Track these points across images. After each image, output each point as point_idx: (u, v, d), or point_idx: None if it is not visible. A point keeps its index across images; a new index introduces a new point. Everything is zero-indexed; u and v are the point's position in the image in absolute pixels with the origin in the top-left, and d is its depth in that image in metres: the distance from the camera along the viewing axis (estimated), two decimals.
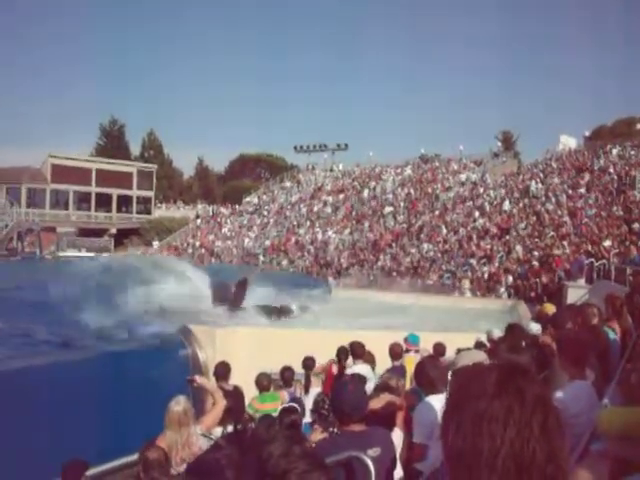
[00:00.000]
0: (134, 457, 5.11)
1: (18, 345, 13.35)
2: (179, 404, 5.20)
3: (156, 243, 55.85)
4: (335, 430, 4.34)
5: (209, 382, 6.24)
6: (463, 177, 46.44)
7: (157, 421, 5.33)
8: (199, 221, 59.47)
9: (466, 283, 28.13)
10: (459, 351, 6.37)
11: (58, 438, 6.29)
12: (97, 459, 5.03)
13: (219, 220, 57.61)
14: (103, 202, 62.48)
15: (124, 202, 64.44)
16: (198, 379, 6.07)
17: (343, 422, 3.82)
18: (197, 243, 53.32)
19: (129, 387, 7.94)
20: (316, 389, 8.30)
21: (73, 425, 6.70)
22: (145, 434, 5.43)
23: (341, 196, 52.75)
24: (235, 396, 7.29)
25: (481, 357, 4.85)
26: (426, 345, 9.60)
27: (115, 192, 63.05)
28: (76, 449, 4.97)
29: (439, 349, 9.30)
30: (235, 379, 7.67)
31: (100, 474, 5.04)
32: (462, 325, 16.92)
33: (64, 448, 5.34)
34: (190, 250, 52.70)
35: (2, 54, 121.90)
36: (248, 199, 61.73)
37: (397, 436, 4.95)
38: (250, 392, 7.77)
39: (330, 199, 52.95)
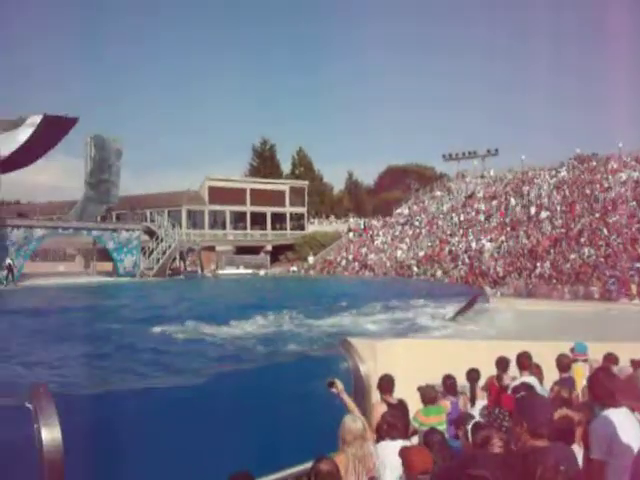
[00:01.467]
0: (297, 469, 4.97)
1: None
2: (356, 421, 5.12)
3: (311, 258, 56.76)
4: (514, 446, 3.96)
5: (350, 402, 5.97)
6: (624, 176, 43.74)
7: (315, 433, 5.16)
8: (351, 234, 59.88)
9: (634, 288, 26.27)
10: (633, 362, 5.78)
11: (220, 448, 6.22)
12: (256, 471, 4.91)
13: (371, 233, 57.72)
14: (258, 220, 64.45)
15: (278, 219, 66.12)
16: (339, 385, 5.87)
17: (534, 437, 3.51)
18: (350, 256, 53.66)
19: (289, 399, 7.81)
20: (482, 402, 7.83)
21: (233, 436, 6.62)
22: (303, 446, 5.26)
23: (494, 202, 51.30)
24: (400, 409, 6.99)
25: None
26: (592, 355, 8.85)
27: (269, 210, 64.85)
28: (236, 460, 4.87)
29: (611, 359, 8.50)
30: (395, 392, 7.39)
31: None
32: (631, 334, 15.64)
33: (226, 459, 5.28)
34: (343, 263, 53.13)
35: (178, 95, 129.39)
36: (399, 210, 61.46)
37: (575, 452, 4.48)
38: (411, 405, 7.45)
39: (483, 206, 51.64)
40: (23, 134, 40.28)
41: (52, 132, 40.84)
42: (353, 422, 5.11)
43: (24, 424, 3.83)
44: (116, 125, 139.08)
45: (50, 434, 3.94)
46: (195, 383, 7.23)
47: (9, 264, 37.16)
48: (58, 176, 78.38)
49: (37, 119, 40.21)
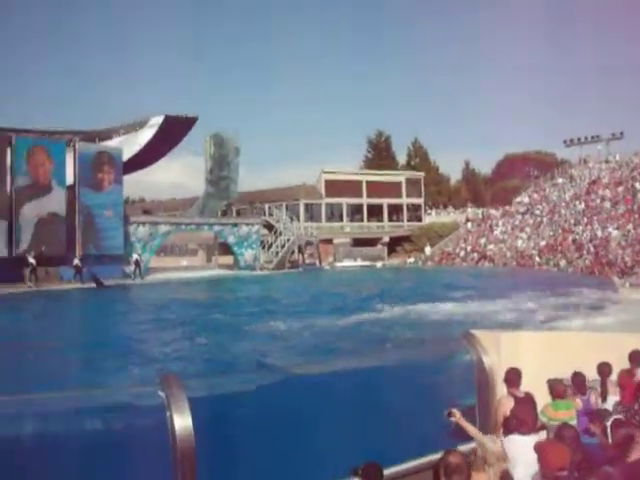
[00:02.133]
0: (420, 461, 4.86)
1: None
2: (497, 443, 5.02)
3: (428, 249, 56.06)
4: None
5: (471, 427, 5.65)
6: None
7: (438, 426, 5.02)
8: (469, 225, 58.62)
9: None
10: None
11: (348, 440, 6.13)
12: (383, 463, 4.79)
13: (490, 223, 56.31)
14: (375, 212, 64.25)
15: (395, 211, 65.67)
16: (457, 414, 5.54)
17: None
18: (469, 247, 52.59)
19: (413, 392, 7.65)
20: (613, 397, 7.32)
21: (361, 429, 6.52)
22: (426, 439, 5.13)
23: (620, 189, 48.80)
24: (528, 403, 6.65)
25: None
26: None
27: (385, 202, 64.50)
28: (364, 451, 4.79)
29: None
30: (521, 386, 7.04)
31: (394, 475, 4.91)
32: None
33: (354, 450, 5.23)
34: (462, 254, 52.14)
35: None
36: (518, 199, 59.61)
37: None
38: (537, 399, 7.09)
39: (608, 193, 49.23)
40: (146, 135, 41.92)
41: (173, 132, 42.25)
42: (494, 444, 4.94)
43: (157, 412, 3.91)
44: (234, 122, 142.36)
45: (182, 421, 4.04)
46: (316, 374, 7.15)
47: (136, 259, 38.80)
48: (179, 174, 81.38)
49: (159, 120, 41.73)
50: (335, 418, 6.34)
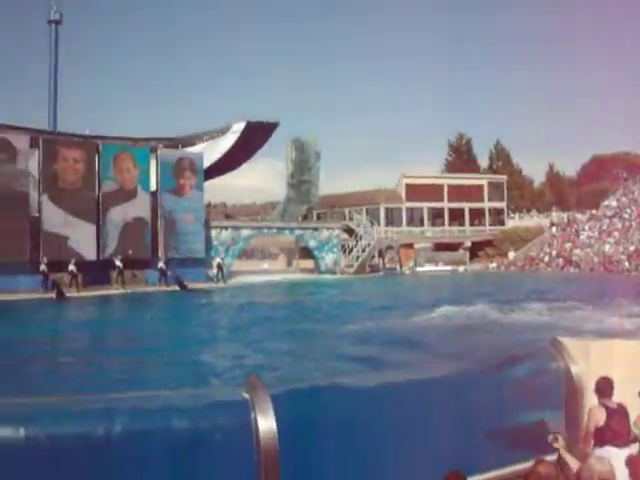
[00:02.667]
0: (508, 470, 4.67)
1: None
2: (605, 464, 4.60)
3: (512, 254, 54.91)
4: None
5: (571, 459, 5.34)
6: None
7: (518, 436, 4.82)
8: (554, 229, 57.05)
9: None
10: None
11: (432, 446, 5.92)
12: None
13: (575, 227, 54.66)
14: (456, 216, 63.34)
15: (476, 215, 64.57)
16: (561, 441, 5.22)
17: None
18: (554, 252, 51.18)
19: (491, 397, 7.33)
20: None
21: (446, 435, 6.30)
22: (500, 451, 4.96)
23: None
24: (621, 415, 6.31)
25: None
26: None
27: (467, 206, 63.51)
28: (449, 459, 4.61)
29: None
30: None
31: None
32: None
33: (438, 458, 5.07)
34: (546, 259, 50.80)
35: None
36: (606, 203, 57.67)
37: None
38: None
39: None
40: (228, 141, 42.58)
41: (255, 137, 42.76)
42: (602, 465, 4.65)
43: (241, 413, 3.89)
44: (314, 127, 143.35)
45: (266, 423, 4.02)
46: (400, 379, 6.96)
47: (219, 263, 39.45)
48: (260, 178, 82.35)
49: (241, 126, 42.31)
50: (421, 424, 6.14)
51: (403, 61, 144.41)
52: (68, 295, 30.71)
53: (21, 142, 33.87)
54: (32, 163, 33.90)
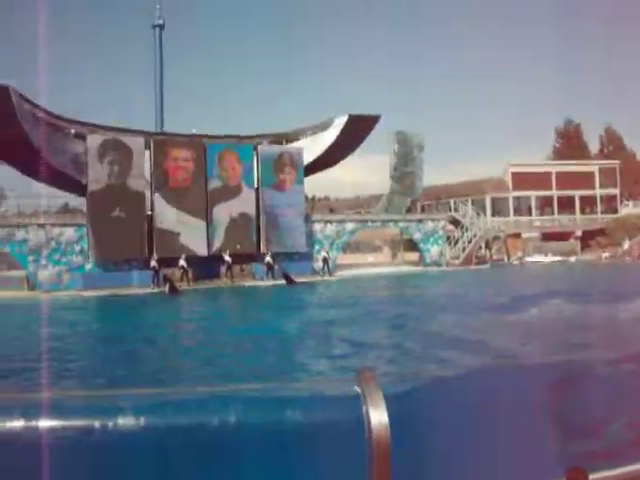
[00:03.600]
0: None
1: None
2: None
3: (626, 243, 52.56)
4: None
5: None
6: None
7: None
8: None
9: None
10: None
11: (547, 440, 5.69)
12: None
13: None
14: (565, 205, 61.30)
15: (587, 203, 62.27)
16: None
17: None
18: None
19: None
20: None
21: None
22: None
23: None
24: None
25: None
26: None
27: (577, 193, 61.33)
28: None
29: None
30: None
31: None
32: None
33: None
34: None
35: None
36: None
37: None
38: None
39: None
40: (331, 135, 42.69)
41: (357, 131, 42.70)
42: None
43: (353, 406, 3.86)
44: (416, 118, 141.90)
45: (378, 416, 3.95)
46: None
47: (324, 257, 39.76)
48: (363, 172, 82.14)
49: (343, 120, 42.36)
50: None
51: (510, 49, 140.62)
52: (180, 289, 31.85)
53: (137, 144, 35.42)
54: (145, 164, 35.41)
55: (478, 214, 51.54)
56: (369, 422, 4.10)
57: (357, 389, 4.15)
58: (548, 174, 61.05)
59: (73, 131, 35.71)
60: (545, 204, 61.41)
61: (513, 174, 59.63)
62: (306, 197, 44.86)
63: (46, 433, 1.75)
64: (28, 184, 38.09)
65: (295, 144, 42.66)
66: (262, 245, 38.25)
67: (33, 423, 1.74)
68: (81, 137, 35.30)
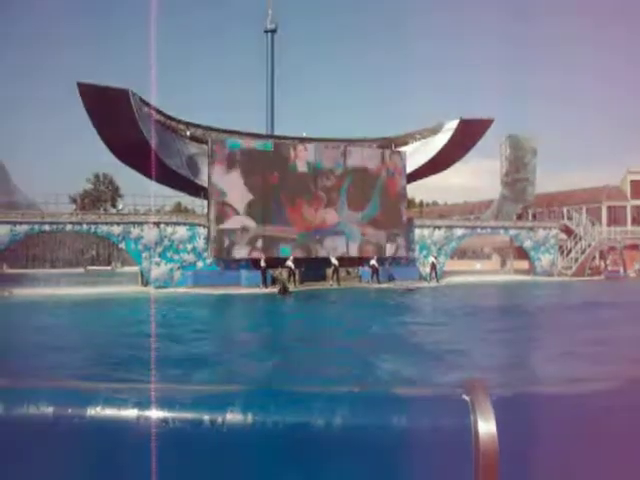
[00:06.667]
0: None
1: None
2: None
3: None
4: None
5: None
6: None
7: None
8: None
9: None
10: None
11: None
12: None
13: None
14: None
15: None
16: None
17: None
18: None
19: None
20: None
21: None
22: None
23: None
24: None
25: None
26: None
27: None
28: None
29: None
30: None
31: None
32: None
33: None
34: None
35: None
36: None
37: None
38: None
39: None
40: (441, 139, 42.16)
41: (468, 135, 41.97)
42: None
43: (460, 414, 3.69)
44: (528, 123, 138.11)
45: (486, 427, 3.77)
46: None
47: (433, 262, 39.28)
48: (473, 177, 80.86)
49: (454, 124, 41.74)
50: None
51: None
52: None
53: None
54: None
55: (593, 223, 49.58)
56: (476, 432, 3.88)
57: (465, 397, 3.94)
58: None
59: (189, 133, 36.88)
60: None
61: (632, 182, 57.04)
62: (413, 201, 44.45)
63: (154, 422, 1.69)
64: (144, 184, 39.54)
65: (405, 148, 42.37)
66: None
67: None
68: (195, 139, 36.59)
